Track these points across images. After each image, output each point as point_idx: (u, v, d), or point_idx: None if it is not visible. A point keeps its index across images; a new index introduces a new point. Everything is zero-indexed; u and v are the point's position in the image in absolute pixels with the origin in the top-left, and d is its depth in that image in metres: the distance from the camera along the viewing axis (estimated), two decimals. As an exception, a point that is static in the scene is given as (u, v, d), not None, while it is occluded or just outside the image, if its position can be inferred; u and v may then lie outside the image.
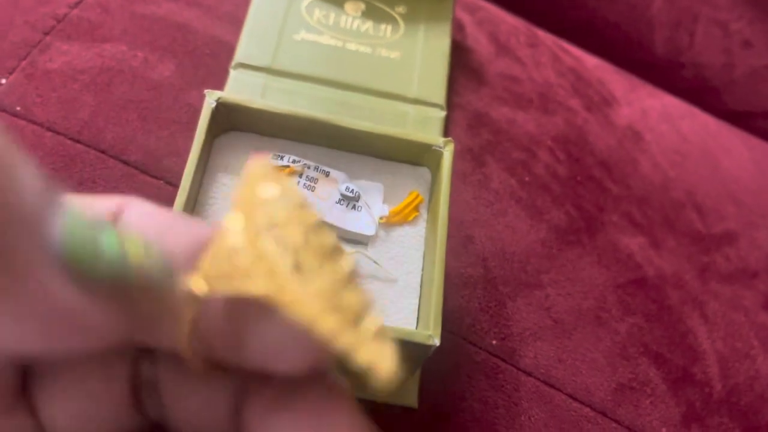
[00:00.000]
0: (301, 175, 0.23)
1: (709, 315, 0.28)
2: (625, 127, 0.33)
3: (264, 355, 0.12)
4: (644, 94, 0.36)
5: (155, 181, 0.26)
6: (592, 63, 0.36)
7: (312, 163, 0.23)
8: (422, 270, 0.22)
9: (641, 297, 0.28)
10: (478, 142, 0.30)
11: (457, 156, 0.29)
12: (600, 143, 0.32)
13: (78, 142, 0.26)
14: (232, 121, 0.23)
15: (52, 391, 0.13)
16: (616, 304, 0.27)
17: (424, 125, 0.28)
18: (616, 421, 0.25)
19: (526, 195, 0.29)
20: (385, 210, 0.23)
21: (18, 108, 0.27)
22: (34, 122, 0.26)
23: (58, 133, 0.26)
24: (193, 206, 0.22)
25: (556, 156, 0.31)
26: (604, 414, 0.25)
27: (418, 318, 0.21)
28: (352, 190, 0.23)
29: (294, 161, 0.23)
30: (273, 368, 0.13)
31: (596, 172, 0.31)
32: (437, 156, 0.23)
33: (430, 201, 0.23)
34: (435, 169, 0.23)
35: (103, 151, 0.26)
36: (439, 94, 0.29)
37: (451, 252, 0.26)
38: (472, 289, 0.26)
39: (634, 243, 0.29)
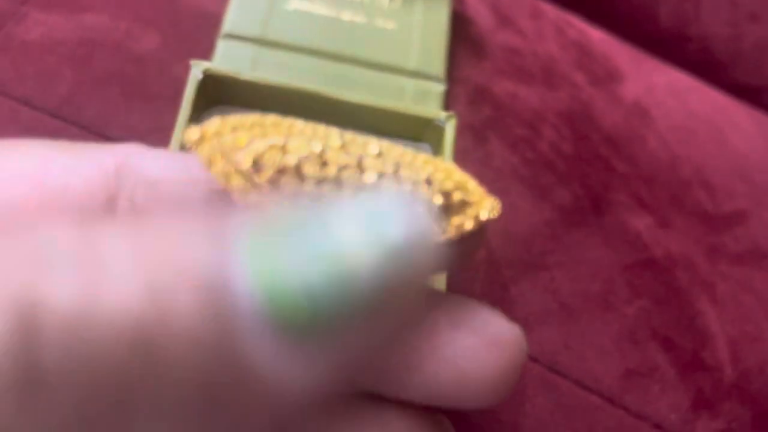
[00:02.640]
0: (293, 152, 0.21)
1: (719, 297, 0.27)
2: (631, 103, 0.32)
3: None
4: (650, 69, 0.34)
5: (139, 159, 0.24)
6: (596, 36, 0.35)
7: (305, 140, 0.21)
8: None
9: (649, 279, 0.27)
10: (479, 118, 0.29)
11: (458, 132, 0.28)
12: (606, 120, 0.31)
13: (57, 117, 0.25)
14: (220, 95, 0.22)
15: None
16: (624, 286, 0.26)
17: (423, 100, 0.27)
18: (624, 408, 0.24)
19: (529, 173, 0.28)
20: (383, 189, 0.21)
21: (-8, 82, 0.25)
22: (10, 97, 0.25)
23: (36, 108, 0.25)
24: (179, 185, 0.20)
25: (560, 133, 0.29)
26: (611, 401, 0.24)
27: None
28: (349, 167, 0.21)
29: (286, 137, 0.21)
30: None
31: (602, 150, 0.30)
32: (438, 131, 0.22)
33: (430, 179, 0.22)
34: (436, 146, 0.22)
35: (84, 128, 0.25)
36: (438, 67, 0.28)
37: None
38: (474, 271, 0.25)
39: (641, 223, 0.28)
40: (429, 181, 0.11)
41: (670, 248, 0.28)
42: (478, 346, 0.12)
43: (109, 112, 0.25)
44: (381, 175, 0.11)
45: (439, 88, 0.28)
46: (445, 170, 0.11)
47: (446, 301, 0.12)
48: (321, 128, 0.11)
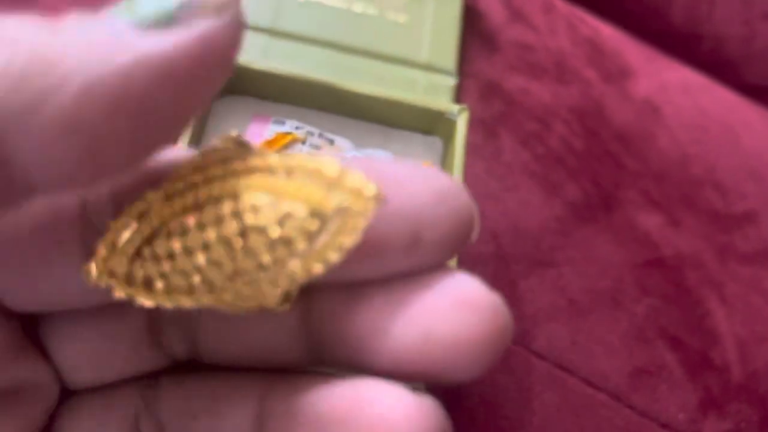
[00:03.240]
0: (304, 143, 0.21)
1: (728, 297, 0.27)
2: (642, 100, 0.32)
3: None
4: (662, 66, 0.34)
5: (148, 147, 0.24)
6: (608, 33, 0.34)
7: (316, 130, 0.21)
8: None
9: (658, 278, 0.27)
10: (490, 113, 0.28)
11: (468, 127, 0.27)
12: (617, 116, 0.31)
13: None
14: (231, 84, 0.21)
15: (64, 332, 0.13)
16: (633, 284, 0.26)
17: (434, 93, 0.27)
18: (631, 407, 0.24)
19: (540, 169, 0.28)
20: (393, 181, 0.21)
21: None
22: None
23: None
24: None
25: (571, 128, 0.29)
26: (618, 399, 0.24)
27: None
28: (359, 159, 0.21)
29: (297, 128, 0.21)
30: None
31: (613, 147, 0.29)
32: (450, 125, 0.21)
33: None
34: (447, 139, 0.22)
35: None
36: (449, 60, 0.27)
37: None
38: (482, 266, 0.25)
39: (651, 221, 0.28)
40: (297, 201, 0.10)
41: (679, 247, 0.28)
42: (446, 305, 0.11)
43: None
44: (243, 235, 0.10)
45: (450, 81, 0.27)
46: (308, 182, 0.10)
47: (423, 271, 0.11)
48: (176, 206, 0.11)
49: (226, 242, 0.10)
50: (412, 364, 0.11)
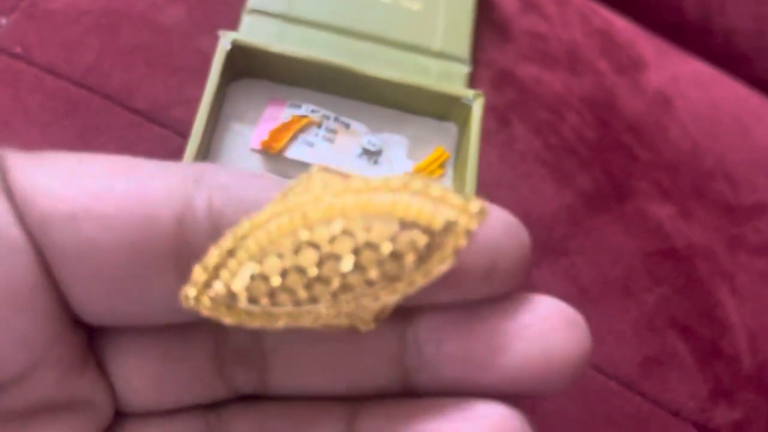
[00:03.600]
0: (319, 126, 0.21)
1: (739, 288, 0.27)
2: (655, 92, 0.32)
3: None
4: (675, 59, 0.34)
5: (163, 130, 0.24)
6: (621, 25, 0.34)
7: (331, 114, 0.21)
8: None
9: (669, 268, 0.27)
10: (502, 101, 0.28)
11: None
12: (629, 107, 0.31)
13: (81, 86, 0.25)
14: (247, 67, 0.21)
15: (128, 350, 0.13)
16: (644, 274, 0.26)
17: (447, 80, 0.27)
18: (642, 395, 0.24)
19: (552, 158, 0.28)
20: (409, 165, 0.21)
21: (18, 49, 0.25)
22: (35, 65, 0.25)
23: (60, 77, 0.25)
24: (205, 155, 0.20)
25: (583, 118, 0.29)
26: (629, 387, 0.24)
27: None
28: (374, 143, 0.21)
29: (313, 111, 0.21)
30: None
31: (625, 138, 0.29)
32: (465, 110, 0.21)
33: (456, 158, 0.22)
34: (462, 125, 0.22)
35: (108, 97, 0.25)
36: (463, 48, 0.27)
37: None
38: (494, 253, 0.25)
39: (662, 212, 0.28)
40: (404, 225, 0.11)
41: (691, 238, 0.28)
42: (557, 325, 0.12)
43: (134, 83, 0.25)
44: (356, 250, 0.11)
45: (464, 69, 0.27)
46: (416, 198, 0.11)
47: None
48: (285, 225, 0.11)
49: (337, 259, 0.11)
50: (528, 379, 0.12)
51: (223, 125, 0.21)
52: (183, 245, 0.11)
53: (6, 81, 0.25)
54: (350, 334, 0.12)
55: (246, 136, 0.21)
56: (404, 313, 0.12)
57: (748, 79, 0.37)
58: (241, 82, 0.22)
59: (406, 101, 0.22)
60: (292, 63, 0.21)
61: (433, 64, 0.27)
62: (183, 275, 0.11)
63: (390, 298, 0.11)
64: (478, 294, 0.12)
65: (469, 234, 0.11)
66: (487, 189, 0.26)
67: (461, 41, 0.28)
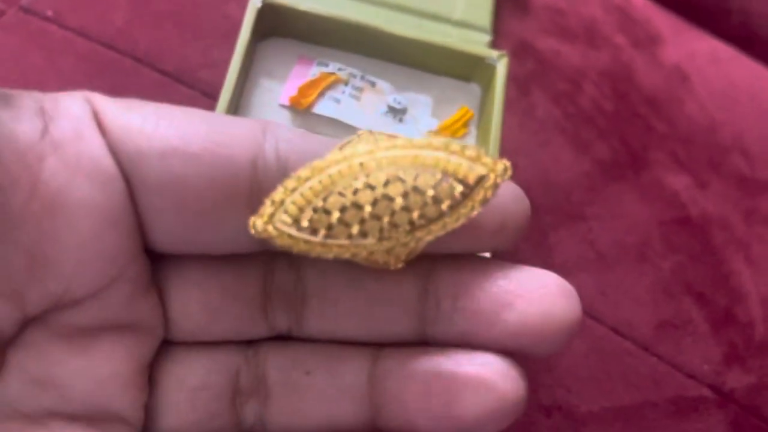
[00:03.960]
0: (346, 84, 0.22)
1: (754, 258, 0.28)
2: (672, 67, 0.32)
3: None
4: (692, 36, 0.34)
5: (191, 91, 0.25)
6: (639, 2, 0.35)
7: (358, 72, 0.22)
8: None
9: (685, 236, 0.27)
10: (522, 71, 0.29)
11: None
12: (646, 81, 0.31)
13: (111, 48, 0.25)
14: (277, 25, 0.22)
15: (188, 280, 0.14)
16: (660, 241, 0.27)
17: (469, 49, 0.27)
18: (657, 356, 0.24)
19: (571, 127, 0.28)
20: (433, 124, 0.22)
21: (49, 13, 0.26)
22: (66, 27, 0.26)
23: (92, 40, 0.25)
24: (236, 110, 0.21)
25: (601, 90, 0.30)
26: (645, 349, 0.24)
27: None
28: (400, 102, 0.22)
29: (340, 69, 0.22)
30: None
31: (642, 110, 0.30)
32: (489, 71, 0.22)
33: (480, 118, 0.22)
34: (486, 86, 0.22)
35: (138, 60, 0.25)
36: (484, 18, 0.28)
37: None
38: (514, 216, 0.25)
39: (678, 182, 0.28)
40: (445, 176, 0.13)
41: (706, 208, 0.28)
42: (555, 292, 0.13)
43: (163, 46, 0.26)
44: (405, 194, 0.13)
45: (485, 38, 0.28)
46: (459, 150, 0.13)
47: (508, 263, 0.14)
48: (345, 170, 0.13)
49: (389, 199, 0.13)
50: (527, 336, 0.13)
51: (253, 81, 0.21)
52: (255, 184, 0.13)
53: (39, 44, 0.25)
54: (382, 273, 0.14)
55: (275, 93, 0.21)
56: (425, 270, 0.14)
57: (764, 61, 0.37)
58: (271, 41, 0.22)
59: (430, 61, 0.22)
60: (320, 22, 0.21)
61: (455, 32, 0.28)
62: (253, 210, 0.13)
63: (426, 238, 0.13)
64: (489, 246, 0.14)
65: (497, 187, 0.13)
66: (507, 155, 0.27)
67: (482, 11, 0.28)
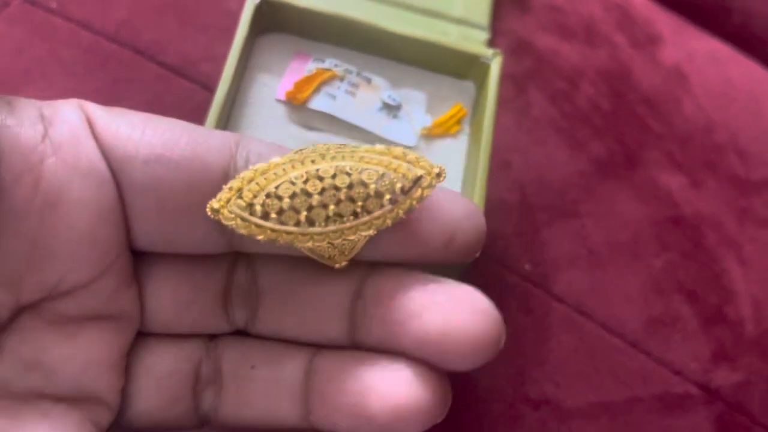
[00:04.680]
0: (342, 80, 0.22)
1: (745, 258, 0.28)
2: (670, 67, 0.32)
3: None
4: (690, 36, 0.35)
5: (191, 84, 0.25)
6: (638, 1, 0.35)
7: (354, 69, 0.22)
8: (461, 185, 0.22)
9: (678, 235, 0.27)
10: (520, 69, 0.29)
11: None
12: (644, 81, 0.31)
13: (114, 41, 0.26)
14: (274, 21, 0.22)
15: (164, 276, 0.15)
16: (652, 239, 0.27)
17: (467, 47, 0.27)
18: (646, 353, 0.25)
19: (567, 125, 0.28)
20: (428, 120, 0.22)
21: (53, 5, 0.26)
22: (70, 19, 0.26)
23: (95, 32, 0.26)
24: (233, 104, 0.21)
25: (598, 89, 0.30)
26: (634, 345, 0.25)
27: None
28: (394, 98, 0.22)
29: (336, 65, 0.22)
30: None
31: (639, 109, 0.30)
32: (484, 69, 0.22)
33: (473, 116, 0.23)
34: (480, 84, 0.23)
35: (139, 53, 0.26)
36: (482, 15, 0.28)
37: (489, 175, 0.26)
38: (507, 213, 0.26)
39: (673, 181, 0.29)
40: (386, 172, 0.14)
41: (699, 208, 0.28)
42: (465, 308, 0.14)
43: (165, 39, 0.26)
44: (350, 185, 0.14)
45: (483, 35, 0.28)
46: (400, 153, 0.14)
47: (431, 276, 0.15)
48: (297, 164, 0.14)
49: (336, 189, 0.14)
50: (431, 349, 0.14)
51: (250, 76, 0.22)
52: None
53: (42, 35, 0.26)
54: (322, 277, 0.15)
55: (271, 88, 0.22)
56: (360, 276, 0.15)
57: (764, 61, 0.37)
58: (268, 37, 0.23)
59: (426, 59, 0.23)
60: (317, 18, 0.22)
61: (453, 29, 0.28)
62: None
63: (367, 232, 0.14)
64: (439, 259, 0.15)
65: (432, 187, 0.14)
66: (502, 152, 0.27)
67: (481, 8, 0.29)
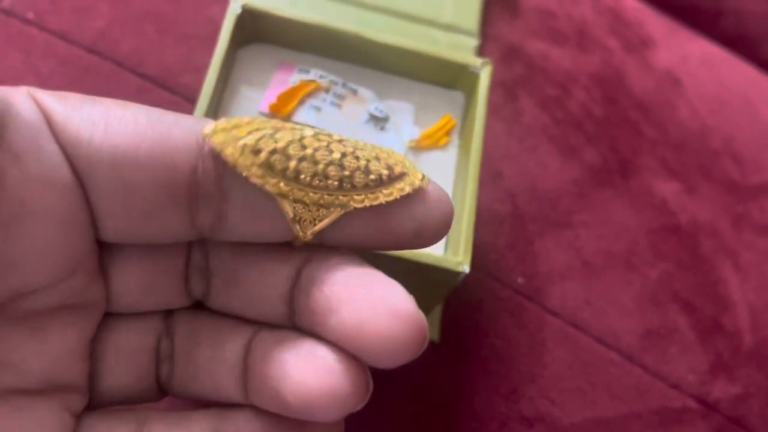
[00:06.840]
0: (327, 92, 0.21)
1: (742, 266, 0.27)
2: (663, 71, 0.32)
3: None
4: (684, 39, 0.34)
5: (172, 96, 0.25)
6: (631, 3, 0.34)
7: (339, 80, 0.22)
8: (451, 197, 0.21)
9: (673, 243, 0.27)
10: (510, 76, 0.28)
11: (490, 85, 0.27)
12: (637, 85, 0.31)
13: (92, 52, 0.25)
14: (257, 32, 0.22)
15: (128, 262, 0.15)
16: (648, 248, 0.26)
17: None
18: (642, 367, 0.24)
19: (559, 132, 0.28)
20: (415, 132, 0.21)
21: (30, 15, 0.25)
22: (47, 30, 0.25)
23: (72, 43, 0.25)
24: (215, 117, 0.20)
25: (591, 95, 0.29)
26: (630, 359, 0.24)
27: (446, 245, 0.20)
28: (381, 110, 0.21)
29: (321, 76, 0.21)
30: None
31: (632, 115, 0.30)
32: (473, 78, 0.22)
33: (462, 127, 0.22)
34: (469, 93, 0.22)
35: (119, 64, 0.25)
36: (472, 22, 0.28)
37: (480, 186, 0.25)
38: (499, 224, 0.25)
39: (668, 188, 0.28)
40: (378, 159, 0.15)
41: (695, 215, 0.28)
42: (383, 308, 0.13)
43: (144, 50, 0.25)
44: (343, 154, 0.14)
45: (472, 42, 0.27)
46: (388, 151, 0.15)
47: (361, 265, 0.15)
48: (298, 126, 0.15)
49: (330, 151, 0.14)
50: (349, 344, 0.13)
51: (232, 89, 0.21)
52: (194, 186, 0.14)
53: (19, 46, 0.25)
54: (267, 257, 0.15)
55: (254, 101, 0.21)
56: (302, 260, 0.15)
57: (757, 62, 0.37)
58: (251, 47, 0.22)
59: (413, 69, 0.22)
60: (301, 28, 0.21)
61: (442, 36, 0.27)
62: (192, 208, 0.14)
63: (347, 205, 0.14)
64: (410, 245, 0.15)
65: (414, 186, 0.15)
66: (493, 161, 0.26)
67: (470, 15, 0.28)
